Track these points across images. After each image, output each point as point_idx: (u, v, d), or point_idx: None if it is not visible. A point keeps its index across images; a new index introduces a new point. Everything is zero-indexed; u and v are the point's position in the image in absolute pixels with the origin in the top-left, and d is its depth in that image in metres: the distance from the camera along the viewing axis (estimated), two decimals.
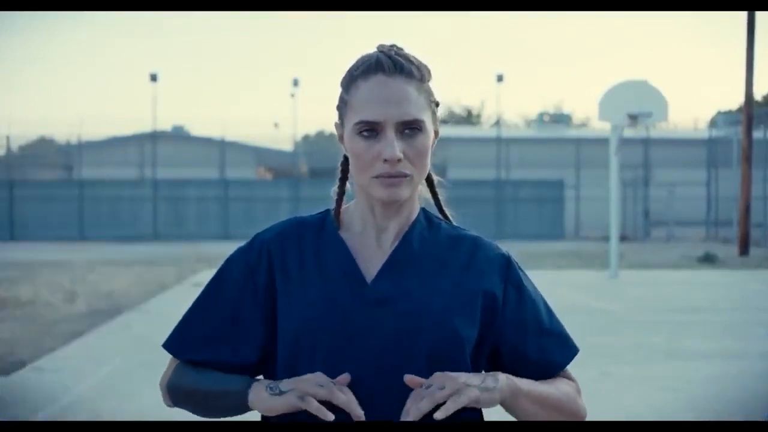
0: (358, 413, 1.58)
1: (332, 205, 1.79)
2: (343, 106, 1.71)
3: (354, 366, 1.65)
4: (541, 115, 45.79)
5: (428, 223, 1.78)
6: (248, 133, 40.17)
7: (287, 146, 41.69)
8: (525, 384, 1.69)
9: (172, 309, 12.41)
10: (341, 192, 1.78)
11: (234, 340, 1.74)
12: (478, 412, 1.74)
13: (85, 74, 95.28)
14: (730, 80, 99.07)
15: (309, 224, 1.77)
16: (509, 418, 1.74)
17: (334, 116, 1.74)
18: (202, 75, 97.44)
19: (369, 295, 1.68)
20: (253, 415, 1.71)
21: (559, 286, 15.14)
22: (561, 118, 44.43)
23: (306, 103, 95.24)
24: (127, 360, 8.60)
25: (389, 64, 1.65)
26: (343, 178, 1.79)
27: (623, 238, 29.60)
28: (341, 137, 1.73)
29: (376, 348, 1.65)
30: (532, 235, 32.69)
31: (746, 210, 22.50)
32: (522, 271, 1.80)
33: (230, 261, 1.77)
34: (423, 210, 1.79)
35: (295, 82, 39.04)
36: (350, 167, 1.72)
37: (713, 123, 36.86)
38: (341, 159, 1.80)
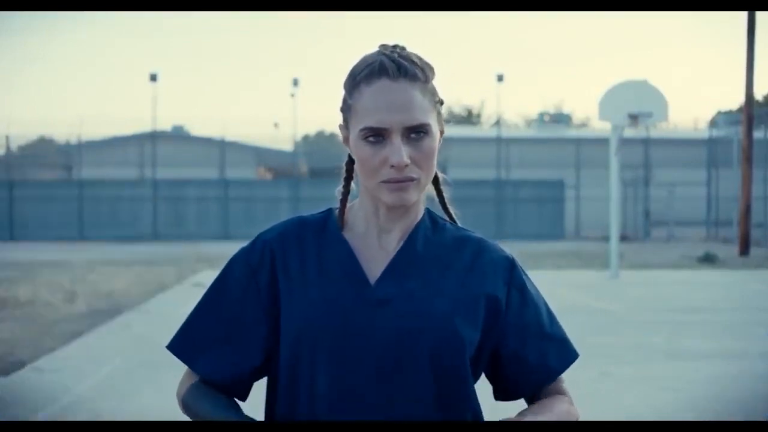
0: None
1: (335, 205, 1.78)
2: (347, 110, 1.69)
3: (355, 367, 1.64)
4: (542, 115, 45.79)
5: (433, 224, 1.77)
6: (248, 133, 40.14)
7: (287, 146, 41.69)
8: (529, 416, 1.68)
9: (172, 309, 12.44)
10: (346, 192, 1.77)
11: (237, 342, 1.73)
12: (479, 414, 1.73)
13: (84, 74, 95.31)
14: (731, 80, 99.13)
15: (311, 224, 1.77)
16: (509, 417, 1.73)
17: (335, 116, 1.73)
18: (202, 75, 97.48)
19: (371, 296, 1.67)
20: (254, 415, 1.70)
21: (559, 286, 15.13)
22: (561, 118, 44.43)
23: (306, 103, 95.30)
24: (126, 360, 8.60)
25: (393, 69, 1.63)
26: (348, 178, 1.78)
27: (623, 238, 29.60)
28: (346, 139, 1.72)
29: (377, 349, 1.65)
30: (532, 235, 32.68)
31: (746, 210, 22.49)
32: (525, 274, 1.79)
33: (232, 262, 1.77)
34: (428, 210, 1.78)
35: (295, 82, 39.04)
36: (357, 170, 1.71)
37: (713, 123, 36.86)
38: (346, 159, 1.79)
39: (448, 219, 1.82)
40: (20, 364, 8.45)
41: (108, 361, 8.51)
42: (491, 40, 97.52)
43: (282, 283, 1.71)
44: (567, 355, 1.81)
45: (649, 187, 34.94)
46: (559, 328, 1.81)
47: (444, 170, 1.86)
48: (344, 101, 1.70)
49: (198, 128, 44.33)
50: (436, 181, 1.83)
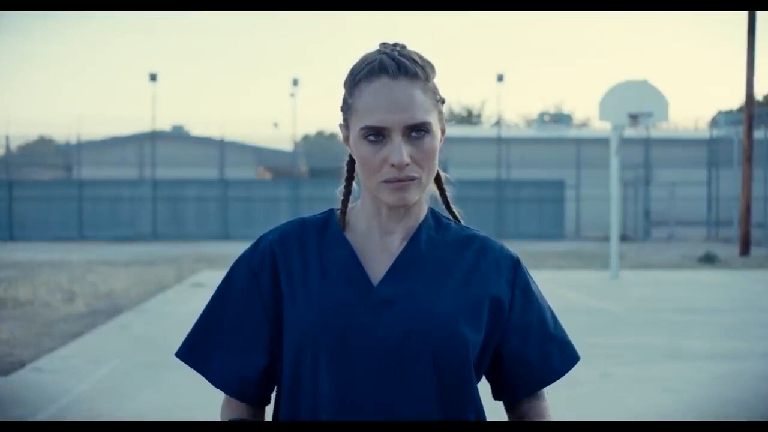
0: None
1: (336, 205, 1.77)
2: (347, 109, 1.68)
3: (358, 368, 1.64)
4: (542, 115, 45.76)
5: (436, 224, 1.76)
6: (248, 133, 40.17)
7: (287, 146, 41.67)
8: None
9: (171, 309, 12.44)
10: (347, 192, 1.76)
11: (243, 345, 1.73)
12: (482, 414, 1.72)
13: (84, 74, 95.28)
14: (731, 80, 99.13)
15: (312, 224, 1.76)
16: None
17: (335, 116, 1.72)
18: (201, 75, 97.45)
19: (374, 297, 1.67)
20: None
21: (559, 287, 15.12)
22: (561, 118, 44.42)
23: (306, 103, 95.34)
24: (126, 360, 8.59)
25: (393, 67, 1.62)
26: (349, 178, 1.77)
27: (624, 238, 29.59)
28: (346, 139, 1.71)
29: (380, 350, 1.64)
30: (532, 235, 32.68)
31: (747, 210, 22.48)
32: (529, 274, 1.78)
33: (235, 266, 1.77)
34: (431, 210, 1.77)
35: (295, 82, 39.04)
36: (357, 170, 1.70)
37: (714, 123, 36.84)
38: (347, 159, 1.78)
39: (452, 218, 1.81)
40: (20, 364, 8.44)
41: (107, 361, 8.50)
42: (491, 39, 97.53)
43: (284, 285, 1.70)
44: (568, 357, 1.80)
45: (650, 187, 34.92)
46: (561, 329, 1.81)
47: (445, 170, 1.85)
48: (344, 100, 1.69)
49: (197, 128, 44.33)
50: (438, 181, 1.81)
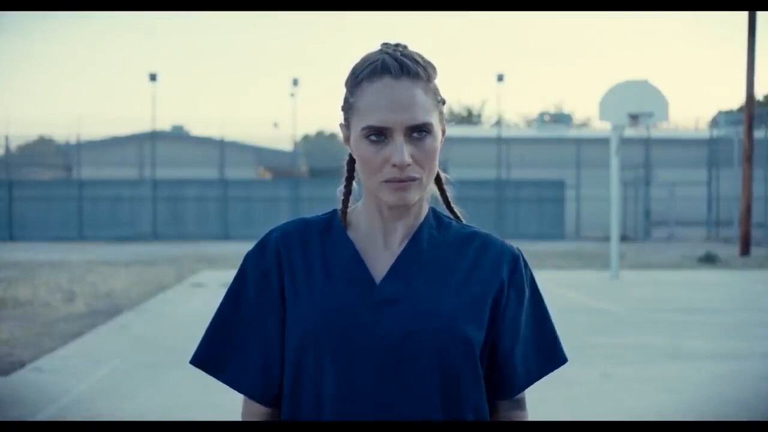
0: None
1: (336, 205, 1.77)
2: (348, 109, 1.68)
3: (361, 367, 1.64)
4: (542, 114, 45.76)
5: (438, 223, 1.76)
6: (248, 133, 40.16)
7: (287, 146, 41.67)
8: None
9: (171, 309, 12.44)
10: (347, 192, 1.76)
11: (263, 348, 1.72)
12: (485, 414, 1.72)
13: (84, 74, 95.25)
14: (731, 80, 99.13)
15: (315, 224, 1.76)
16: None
17: (335, 116, 1.72)
18: (201, 75, 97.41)
19: (376, 296, 1.67)
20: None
21: (559, 287, 15.12)
22: (562, 118, 44.42)
23: (306, 103, 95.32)
24: (126, 360, 8.58)
25: (396, 67, 1.62)
26: (350, 178, 1.77)
27: (624, 238, 29.59)
28: (347, 138, 1.71)
29: (382, 349, 1.64)
30: (532, 235, 32.67)
31: (747, 210, 22.48)
32: (529, 271, 1.78)
33: (244, 266, 1.76)
34: (432, 209, 1.77)
35: (295, 82, 39.04)
36: (358, 170, 1.70)
37: (714, 123, 36.83)
38: (347, 158, 1.77)
39: (453, 218, 1.81)
40: (20, 364, 8.44)
41: (107, 361, 8.50)
42: (492, 39, 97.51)
43: (287, 284, 1.70)
44: (556, 358, 1.80)
45: (650, 187, 34.92)
46: (553, 330, 1.80)
47: (445, 170, 1.85)
48: (345, 100, 1.69)
49: (197, 128, 44.31)
50: (438, 181, 1.81)
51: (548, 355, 1.79)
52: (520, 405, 1.78)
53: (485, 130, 47.50)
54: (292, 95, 39.29)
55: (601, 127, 36.88)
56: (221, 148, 37.30)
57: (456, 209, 1.83)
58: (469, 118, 59.30)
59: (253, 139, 40.64)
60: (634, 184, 35.23)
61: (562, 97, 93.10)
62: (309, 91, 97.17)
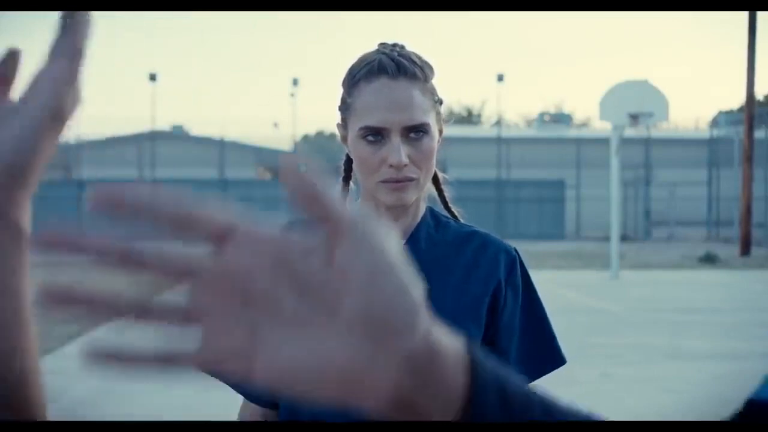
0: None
1: None
2: (345, 109, 1.68)
3: None
4: (542, 114, 45.77)
5: (436, 223, 1.76)
6: (248, 133, 40.17)
7: (287, 146, 41.68)
8: None
9: None
10: (345, 192, 1.77)
11: None
12: None
13: (83, 74, 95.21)
14: (731, 80, 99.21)
15: (312, 225, 1.74)
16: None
17: (335, 116, 1.71)
18: (201, 75, 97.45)
19: None
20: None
21: (559, 287, 15.11)
22: (562, 118, 44.43)
23: (306, 103, 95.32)
24: None
25: (393, 67, 1.62)
26: (347, 178, 1.77)
27: (624, 238, 29.59)
28: (344, 138, 1.71)
29: None
30: (532, 235, 32.68)
31: (747, 210, 22.48)
32: (526, 271, 1.77)
33: None
34: (430, 209, 1.77)
35: (295, 82, 39.06)
36: (355, 170, 1.70)
37: (714, 123, 36.83)
38: (344, 158, 1.78)
39: (451, 217, 1.81)
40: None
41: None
42: (492, 39, 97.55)
43: None
44: (557, 358, 1.80)
45: (650, 187, 34.93)
46: (551, 330, 1.80)
47: (444, 170, 1.85)
48: (343, 100, 1.69)
49: (197, 128, 44.34)
50: (436, 181, 1.81)
51: (547, 355, 1.78)
52: None
53: (485, 130, 47.53)
54: (292, 95, 39.33)
55: (601, 127, 36.88)
56: (221, 148, 37.32)
57: (454, 209, 1.83)
58: (469, 118, 59.32)
59: (253, 139, 40.68)
60: (634, 184, 35.24)
61: (562, 97, 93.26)
62: (309, 91, 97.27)
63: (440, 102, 1.70)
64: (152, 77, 35.82)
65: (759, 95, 47.60)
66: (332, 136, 55.43)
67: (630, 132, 20.48)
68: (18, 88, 0.71)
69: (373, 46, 1.70)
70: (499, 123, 41.00)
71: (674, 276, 18.19)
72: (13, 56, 0.71)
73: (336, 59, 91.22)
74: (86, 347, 0.60)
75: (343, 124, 1.70)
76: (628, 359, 8.72)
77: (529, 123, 55.46)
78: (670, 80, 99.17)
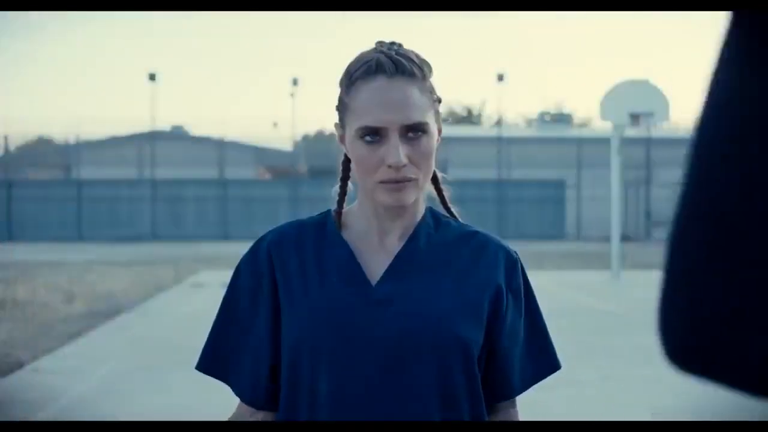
0: None
1: (333, 206, 1.76)
2: (343, 108, 1.67)
3: (357, 368, 1.63)
4: (542, 114, 45.78)
5: (435, 223, 1.74)
6: (247, 132, 40.10)
7: (287, 146, 41.68)
8: None
9: (170, 310, 12.43)
10: (343, 192, 1.75)
11: (254, 353, 1.72)
12: (483, 415, 1.70)
13: (83, 74, 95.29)
14: None
15: (309, 226, 1.75)
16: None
17: (334, 115, 1.70)
18: (201, 75, 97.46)
19: (372, 297, 1.66)
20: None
21: (560, 287, 15.10)
22: (562, 118, 44.44)
23: (306, 103, 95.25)
24: (125, 361, 8.57)
25: (390, 66, 1.60)
26: (345, 178, 1.76)
27: (625, 239, 29.57)
28: (342, 138, 1.70)
29: (379, 350, 1.63)
30: (533, 235, 32.67)
31: None
32: (525, 275, 1.76)
33: (237, 272, 1.76)
34: (430, 209, 1.76)
35: (295, 82, 39.07)
36: (353, 170, 1.69)
37: None
38: (342, 158, 1.76)
39: (450, 217, 1.79)
40: (18, 365, 8.43)
41: (106, 362, 8.49)
42: (492, 39, 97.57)
43: (281, 288, 1.70)
44: (554, 363, 1.80)
45: (651, 187, 34.95)
46: (548, 335, 1.80)
47: (444, 170, 1.84)
48: (340, 99, 1.68)
49: (197, 128, 44.26)
50: (435, 181, 1.80)
51: (544, 360, 1.78)
52: (513, 403, 1.79)
53: (485, 130, 47.51)
54: (292, 95, 39.32)
55: (601, 127, 36.89)
56: (221, 148, 37.32)
57: (453, 209, 1.81)
58: (469, 118, 59.31)
59: (253, 139, 40.63)
60: (635, 184, 35.25)
61: (563, 97, 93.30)
62: (309, 91, 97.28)
63: (439, 100, 1.68)
64: (152, 77, 35.83)
65: None
66: (332, 136, 55.31)
67: (631, 132, 20.47)
68: None
69: (372, 46, 1.68)
70: (499, 123, 41.01)
71: None
72: None
73: (336, 59, 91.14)
74: None
75: (341, 124, 1.69)
76: (628, 360, 8.71)
77: (529, 123, 55.43)
78: (671, 80, 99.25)
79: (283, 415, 1.69)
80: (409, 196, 1.63)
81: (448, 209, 1.81)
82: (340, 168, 1.77)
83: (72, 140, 38.74)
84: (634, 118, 17.20)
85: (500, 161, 35.55)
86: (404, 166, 1.59)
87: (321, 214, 1.77)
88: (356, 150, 1.62)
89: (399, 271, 1.67)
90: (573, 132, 41.77)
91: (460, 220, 1.80)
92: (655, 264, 21.27)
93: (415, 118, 1.60)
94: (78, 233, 32.69)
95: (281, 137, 43.79)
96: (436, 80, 1.68)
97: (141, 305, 12.92)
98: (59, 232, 32.43)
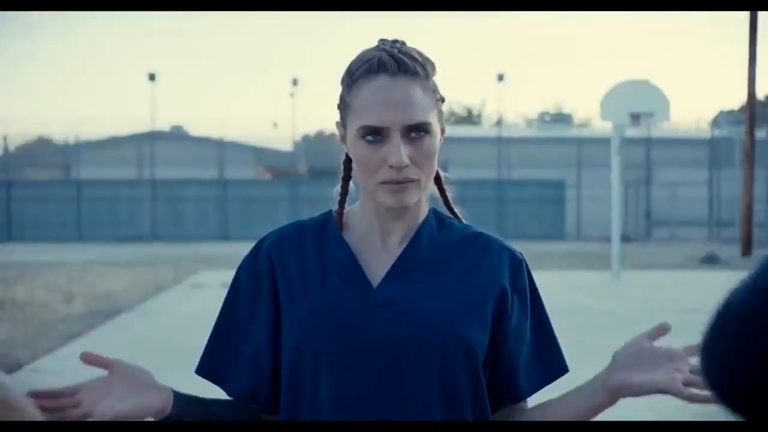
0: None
1: (334, 206, 1.73)
2: (344, 107, 1.64)
3: (359, 369, 1.61)
4: (543, 114, 45.77)
5: (439, 223, 1.72)
6: (247, 132, 40.09)
7: (287, 146, 41.69)
8: None
9: (170, 310, 12.41)
10: (344, 192, 1.73)
11: (253, 357, 1.71)
12: (487, 416, 1.68)
13: (83, 74, 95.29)
14: (733, 80, 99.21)
15: (310, 227, 1.73)
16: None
17: (335, 115, 1.67)
18: (201, 75, 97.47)
19: (374, 298, 1.64)
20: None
21: (560, 287, 15.09)
22: (562, 118, 44.44)
23: (305, 103, 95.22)
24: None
25: (393, 65, 1.58)
26: (346, 178, 1.73)
27: (625, 239, 29.57)
28: (343, 138, 1.67)
29: (380, 352, 1.61)
30: (533, 235, 32.66)
31: (749, 210, 22.47)
32: (531, 276, 1.74)
33: (237, 274, 1.74)
34: (433, 210, 1.73)
35: (295, 82, 39.08)
36: (354, 170, 1.67)
37: (715, 123, 36.84)
38: (343, 158, 1.73)
39: (454, 218, 1.77)
40: (18, 366, 8.42)
41: None
42: (492, 39, 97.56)
43: (282, 290, 1.68)
44: (561, 366, 1.77)
45: (651, 187, 34.94)
46: (555, 338, 1.77)
47: (445, 170, 1.81)
48: (341, 98, 1.65)
49: (197, 128, 44.27)
50: (438, 181, 1.77)
51: (551, 362, 1.75)
52: (526, 407, 1.76)
53: (485, 130, 47.51)
54: (292, 95, 39.34)
55: (601, 127, 36.88)
56: (220, 148, 37.32)
57: (456, 209, 1.79)
58: (469, 118, 59.31)
59: (253, 139, 40.64)
60: (635, 184, 35.24)
61: (563, 97, 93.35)
62: (309, 91, 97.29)
63: (442, 100, 1.66)
64: (152, 77, 35.83)
65: (760, 95, 47.58)
66: (332, 136, 55.42)
67: (631, 132, 20.46)
68: None
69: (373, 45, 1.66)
70: (499, 123, 41.00)
71: (675, 276, 18.16)
72: None
73: (336, 59, 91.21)
74: None
75: (342, 123, 1.66)
76: None
77: (529, 123, 55.42)
78: (671, 80, 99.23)
79: (284, 415, 1.67)
80: (411, 197, 1.60)
81: (451, 210, 1.78)
82: (342, 168, 1.74)
83: (72, 140, 38.73)
84: (634, 118, 17.20)
85: (500, 161, 35.54)
86: (406, 166, 1.57)
87: (322, 214, 1.74)
88: (357, 150, 1.60)
89: (401, 273, 1.65)
90: (573, 132, 41.78)
91: (463, 221, 1.77)
92: (656, 264, 21.25)
93: (418, 117, 1.57)
94: (78, 233, 32.68)
95: (281, 137, 43.82)
96: (437, 78, 1.65)
97: (141, 305, 12.91)
98: (59, 232, 32.42)
